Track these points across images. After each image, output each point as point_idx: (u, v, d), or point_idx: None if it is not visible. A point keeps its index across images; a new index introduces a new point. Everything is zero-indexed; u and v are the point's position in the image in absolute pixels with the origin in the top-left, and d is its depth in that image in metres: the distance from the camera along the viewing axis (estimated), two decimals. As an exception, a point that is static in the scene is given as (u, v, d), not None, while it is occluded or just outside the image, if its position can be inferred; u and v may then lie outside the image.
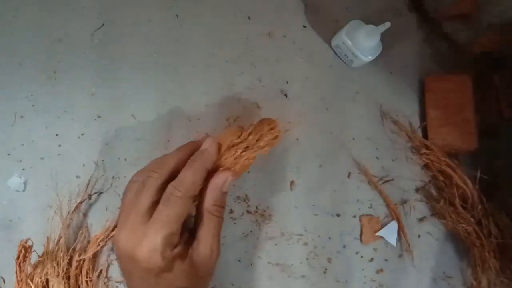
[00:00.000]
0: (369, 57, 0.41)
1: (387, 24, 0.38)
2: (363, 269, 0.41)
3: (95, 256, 0.39)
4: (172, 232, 0.32)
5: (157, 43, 0.42)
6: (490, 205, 0.40)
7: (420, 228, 0.42)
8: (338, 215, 0.42)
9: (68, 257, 0.37)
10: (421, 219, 0.42)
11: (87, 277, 0.37)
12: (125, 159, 0.41)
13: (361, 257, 0.42)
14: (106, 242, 0.38)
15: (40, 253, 0.38)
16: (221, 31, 0.43)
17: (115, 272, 0.39)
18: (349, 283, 0.41)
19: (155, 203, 0.33)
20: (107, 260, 0.39)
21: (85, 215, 0.40)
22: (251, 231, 0.41)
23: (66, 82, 0.41)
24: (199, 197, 0.35)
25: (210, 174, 0.35)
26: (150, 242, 0.31)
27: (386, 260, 0.42)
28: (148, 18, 0.42)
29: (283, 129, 0.41)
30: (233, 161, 0.36)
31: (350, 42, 0.40)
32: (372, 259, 0.42)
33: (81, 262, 0.37)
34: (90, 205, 0.40)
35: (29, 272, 0.36)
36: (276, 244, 0.41)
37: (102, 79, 0.41)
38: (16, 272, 0.36)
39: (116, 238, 0.34)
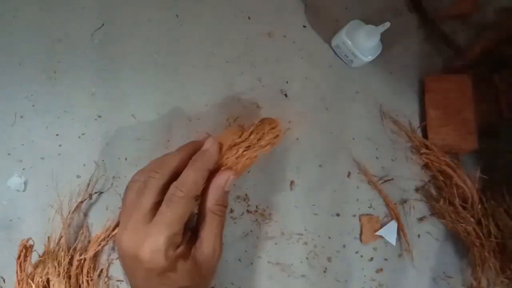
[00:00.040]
0: (369, 57, 0.41)
1: (387, 25, 0.38)
2: (363, 269, 0.41)
3: (96, 255, 0.39)
4: (175, 232, 0.32)
5: (157, 43, 0.42)
6: (490, 205, 0.40)
7: (419, 227, 0.42)
8: (338, 215, 0.42)
9: (69, 257, 0.37)
10: (420, 219, 0.42)
11: (88, 277, 0.38)
12: (126, 159, 0.41)
13: (361, 256, 0.42)
14: (107, 241, 0.38)
15: (40, 252, 0.38)
16: (221, 31, 0.43)
17: (115, 271, 0.39)
18: (349, 282, 0.41)
19: (157, 203, 0.33)
20: (108, 260, 0.39)
21: (85, 214, 0.40)
22: (251, 231, 0.41)
23: (66, 82, 0.41)
24: (201, 197, 0.35)
25: (211, 173, 0.35)
26: (153, 242, 0.32)
27: (386, 259, 0.42)
28: (148, 18, 0.42)
29: (284, 129, 0.41)
30: (235, 161, 0.36)
31: (350, 42, 0.40)
32: (372, 259, 0.42)
33: (82, 261, 0.38)
34: (91, 205, 0.40)
35: (29, 271, 0.36)
36: (276, 244, 0.41)
37: (102, 79, 0.41)
38: (17, 272, 0.36)
39: (118, 238, 0.34)
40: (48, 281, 0.36)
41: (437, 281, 0.42)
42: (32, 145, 0.40)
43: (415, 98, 0.44)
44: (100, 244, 0.38)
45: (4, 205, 0.39)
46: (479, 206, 0.40)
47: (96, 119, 0.41)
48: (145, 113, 0.41)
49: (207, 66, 0.42)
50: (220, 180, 0.35)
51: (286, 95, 0.43)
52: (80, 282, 0.37)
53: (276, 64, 0.43)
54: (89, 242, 0.39)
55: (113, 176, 0.40)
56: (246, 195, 0.41)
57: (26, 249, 0.36)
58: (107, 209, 0.40)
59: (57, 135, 0.40)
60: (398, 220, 0.42)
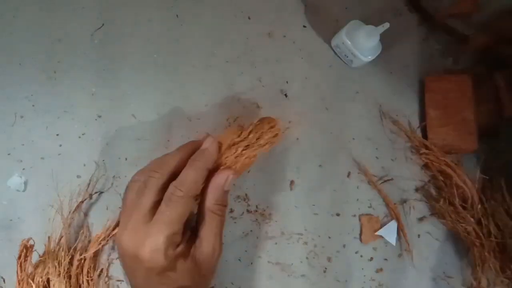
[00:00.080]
0: (369, 57, 0.41)
1: (386, 25, 0.38)
2: (362, 269, 0.41)
3: (96, 255, 0.39)
4: (174, 231, 0.33)
5: (157, 43, 0.42)
6: (490, 205, 0.40)
7: (419, 227, 0.42)
8: (338, 215, 0.42)
9: (69, 257, 0.37)
10: (420, 219, 0.43)
11: (88, 276, 0.38)
12: (126, 159, 0.41)
13: (361, 256, 0.42)
14: (107, 241, 0.38)
15: (41, 252, 0.38)
16: (221, 31, 0.43)
17: (116, 271, 0.39)
18: (348, 282, 0.41)
19: (157, 203, 0.33)
20: (108, 259, 0.39)
21: (86, 214, 0.40)
22: (251, 231, 0.41)
23: (66, 82, 0.41)
24: (200, 196, 0.36)
25: (211, 173, 0.35)
26: (152, 242, 0.32)
27: (385, 259, 0.42)
28: (148, 18, 0.42)
29: (283, 128, 0.41)
30: (234, 160, 0.36)
31: (349, 42, 0.40)
32: (371, 259, 0.42)
33: (82, 261, 0.38)
34: (91, 205, 0.40)
35: (30, 271, 0.36)
36: (276, 244, 0.41)
37: (102, 79, 0.41)
38: (17, 272, 0.36)
39: (118, 238, 0.34)
40: (48, 281, 0.36)
41: (437, 281, 0.42)
42: (32, 145, 0.40)
43: (415, 98, 0.44)
44: (100, 244, 0.38)
45: (4, 205, 0.39)
46: (479, 206, 0.40)
47: (96, 119, 0.41)
48: (145, 113, 0.41)
49: (207, 66, 0.42)
50: (220, 179, 0.35)
51: (286, 95, 0.43)
52: (81, 282, 0.37)
53: (276, 64, 0.43)
54: (89, 242, 0.39)
55: (113, 176, 0.40)
56: (246, 195, 0.41)
57: (27, 249, 0.36)
58: (107, 209, 0.40)
59: (57, 135, 0.40)
60: (398, 220, 0.42)
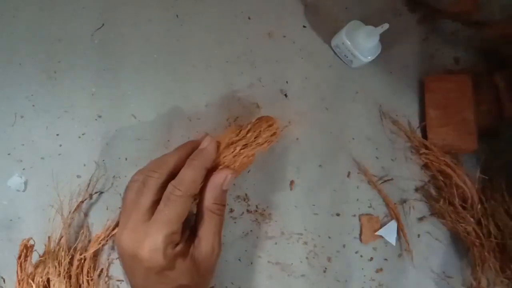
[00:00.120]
0: (369, 57, 0.41)
1: (386, 26, 0.38)
2: (362, 269, 0.41)
3: (96, 255, 0.39)
4: (173, 231, 0.33)
5: (157, 43, 0.42)
6: (490, 205, 0.40)
7: (419, 227, 0.42)
8: (337, 215, 0.42)
9: (69, 257, 0.37)
10: (420, 219, 0.43)
11: (88, 276, 0.38)
12: (126, 159, 0.41)
13: (361, 256, 0.42)
14: (107, 241, 0.38)
15: (41, 252, 0.38)
16: (221, 31, 0.43)
17: (116, 271, 0.40)
18: (348, 282, 0.41)
19: (156, 203, 0.33)
20: (108, 259, 0.39)
21: (86, 214, 0.40)
22: (251, 230, 0.41)
23: (66, 82, 0.41)
24: (199, 196, 0.36)
25: (209, 172, 0.35)
26: (151, 241, 0.32)
27: (385, 259, 0.42)
28: (148, 18, 0.42)
29: (281, 126, 0.41)
30: (232, 159, 0.36)
31: (349, 43, 0.40)
32: (371, 259, 0.42)
33: (82, 261, 0.38)
34: (91, 205, 0.40)
35: (30, 271, 0.36)
36: (276, 243, 0.41)
37: (102, 79, 0.41)
38: (17, 272, 0.36)
39: (118, 237, 0.34)
40: (48, 281, 0.36)
41: (437, 281, 0.42)
42: (32, 145, 0.40)
43: (415, 98, 0.44)
44: (100, 244, 0.38)
45: (5, 205, 0.39)
46: (479, 206, 0.40)
47: (96, 119, 0.41)
48: (145, 113, 0.41)
49: (207, 66, 0.42)
50: (218, 178, 0.35)
51: (286, 95, 0.43)
52: (81, 282, 0.37)
53: (276, 64, 0.43)
54: (89, 241, 0.39)
55: (113, 176, 0.40)
56: (246, 194, 0.41)
57: (27, 249, 0.36)
58: (107, 209, 0.40)
59: (57, 135, 0.41)
60: (398, 220, 0.42)
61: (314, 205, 0.42)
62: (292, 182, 0.42)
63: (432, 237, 0.42)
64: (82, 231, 0.39)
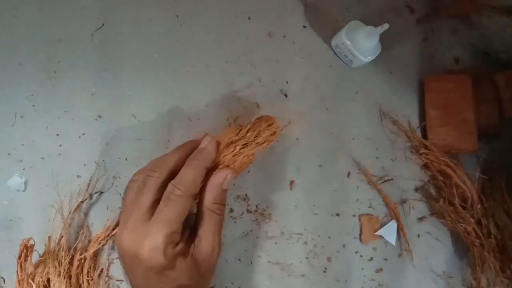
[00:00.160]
0: (369, 57, 0.41)
1: (385, 26, 0.38)
2: (362, 269, 0.41)
3: (96, 255, 0.39)
4: (173, 230, 0.33)
5: (157, 43, 0.42)
6: (490, 205, 0.40)
7: (419, 227, 0.42)
8: (337, 215, 0.42)
9: (70, 257, 0.37)
10: (420, 219, 0.43)
11: (88, 276, 0.38)
12: (126, 159, 0.41)
13: (361, 256, 0.42)
14: (107, 241, 0.38)
15: (41, 252, 0.38)
16: (221, 31, 0.43)
17: (116, 271, 0.40)
18: (348, 282, 0.41)
19: (156, 202, 0.33)
20: (108, 259, 0.39)
21: (86, 214, 0.40)
22: (251, 230, 0.41)
23: (66, 82, 0.41)
24: (199, 195, 0.36)
25: (209, 172, 0.35)
26: (152, 241, 0.32)
27: (385, 259, 0.42)
28: (148, 18, 0.42)
29: (281, 126, 0.41)
30: (232, 159, 0.36)
31: (349, 43, 0.40)
32: (371, 259, 0.42)
33: (82, 261, 0.38)
34: (91, 205, 0.40)
35: (30, 271, 0.36)
36: (276, 243, 0.41)
37: (102, 79, 0.41)
38: (17, 272, 0.36)
39: (118, 237, 0.34)
40: (48, 280, 0.36)
41: (437, 281, 0.42)
42: (32, 145, 0.40)
43: (415, 98, 0.44)
44: (100, 244, 0.38)
45: (5, 205, 0.39)
46: (479, 206, 0.40)
47: (96, 119, 0.41)
48: (145, 113, 0.41)
49: (207, 66, 0.42)
50: (218, 178, 0.35)
51: (286, 95, 0.43)
52: (81, 281, 0.37)
53: (276, 64, 0.43)
54: (89, 241, 0.39)
55: (113, 176, 0.40)
56: (246, 194, 0.41)
57: (27, 249, 0.36)
58: (107, 208, 0.40)
59: (57, 135, 0.41)
60: (397, 220, 0.42)
61: (314, 205, 0.42)
62: (292, 182, 0.42)
63: (432, 237, 0.42)
64: (82, 231, 0.39)
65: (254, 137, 0.36)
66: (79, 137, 0.41)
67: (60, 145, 0.40)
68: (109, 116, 0.41)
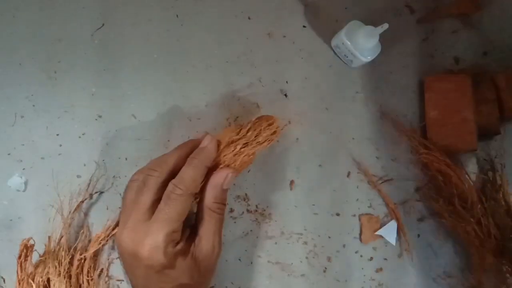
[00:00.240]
0: (368, 57, 0.41)
1: (385, 26, 0.38)
2: (362, 268, 0.41)
3: (96, 255, 0.39)
4: (174, 229, 0.33)
5: (157, 43, 0.42)
6: (490, 205, 0.40)
7: (419, 227, 0.42)
8: (337, 215, 0.42)
9: (70, 256, 0.37)
10: (420, 219, 0.43)
11: (88, 276, 0.38)
12: (126, 159, 0.41)
13: (361, 256, 0.42)
14: (107, 241, 0.38)
15: (41, 252, 0.38)
16: (221, 31, 0.43)
17: (116, 271, 0.40)
18: (348, 282, 0.41)
19: (156, 201, 0.33)
20: (108, 259, 0.39)
21: (86, 214, 0.40)
22: (251, 230, 0.41)
23: (66, 82, 0.41)
24: (200, 195, 0.36)
25: (210, 171, 0.35)
26: (152, 240, 0.32)
27: (385, 259, 0.42)
28: (148, 18, 0.42)
29: (281, 125, 0.41)
30: (233, 158, 0.36)
31: (349, 43, 0.40)
32: (371, 258, 0.42)
33: (82, 261, 0.38)
34: (91, 205, 0.40)
35: (30, 271, 0.36)
36: (276, 243, 0.41)
37: (102, 79, 0.41)
38: (17, 272, 0.36)
39: (118, 236, 0.34)
40: (48, 280, 0.36)
41: (437, 280, 0.42)
42: (32, 145, 0.40)
43: (415, 98, 0.44)
44: (100, 244, 0.38)
45: (5, 205, 0.39)
46: (479, 206, 0.40)
47: (96, 119, 0.41)
48: (145, 113, 0.41)
49: (207, 66, 0.42)
50: (219, 178, 0.35)
51: (286, 95, 0.43)
52: (81, 281, 0.37)
53: (276, 64, 0.43)
54: (89, 241, 0.39)
55: (114, 176, 0.40)
56: (246, 194, 0.41)
57: (27, 248, 0.36)
58: (107, 208, 0.40)
59: (57, 135, 0.41)
60: (397, 220, 0.42)
61: (314, 205, 0.42)
62: (292, 182, 0.42)
63: (432, 237, 0.42)
64: (82, 231, 0.39)
65: (255, 137, 0.36)
66: (79, 137, 0.41)
67: (60, 145, 0.40)
68: (109, 116, 0.41)
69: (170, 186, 0.33)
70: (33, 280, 0.36)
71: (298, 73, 0.43)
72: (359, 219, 0.42)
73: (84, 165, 0.40)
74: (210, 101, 0.42)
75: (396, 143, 0.43)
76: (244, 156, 0.36)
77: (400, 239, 0.42)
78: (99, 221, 0.40)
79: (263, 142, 0.37)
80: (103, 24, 0.42)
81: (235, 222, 0.41)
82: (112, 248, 0.40)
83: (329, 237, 0.42)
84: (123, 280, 0.39)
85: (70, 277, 0.37)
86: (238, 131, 0.37)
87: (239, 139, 0.36)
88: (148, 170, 0.35)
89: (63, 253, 0.37)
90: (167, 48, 0.42)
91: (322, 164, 0.42)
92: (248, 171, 0.41)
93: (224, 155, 0.36)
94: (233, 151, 0.36)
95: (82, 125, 0.41)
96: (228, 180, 0.35)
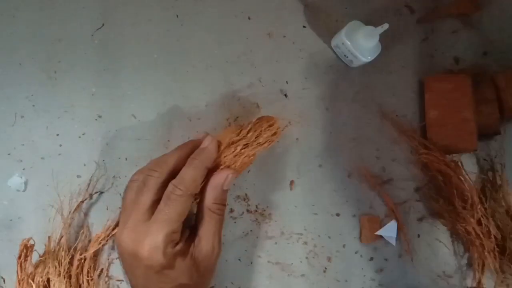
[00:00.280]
0: (368, 57, 0.41)
1: (385, 26, 0.38)
2: (362, 269, 0.41)
3: (96, 255, 0.39)
4: (173, 230, 0.33)
5: (157, 43, 0.42)
6: (490, 205, 0.41)
7: (419, 227, 0.42)
8: (337, 215, 0.42)
9: (69, 256, 0.37)
10: (420, 219, 0.43)
11: (88, 276, 0.38)
12: (126, 159, 0.41)
13: (361, 256, 0.42)
14: (107, 241, 0.38)
15: (41, 252, 0.38)
16: (221, 31, 0.43)
17: (116, 271, 0.40)
18: (348, 282, 0.41)
19: (156, 202, 0.33)
20: (108, 259, 0.39)
21: (86, 214, 0.40)
22: (251, 230, 0.41)
23: (66, 82, 0.41)
24: (200, 195, 0.36)
25: (210, 172, 0.35)
26: (151, 240, 0.32)
27: (385, 259, 0.42)
28: (148, 18, 0.42)
29: (282, 126, 0.41)
30: (233, 159, 0.36)
31: (349, 43, 0.40)
32: (371, 259, 0.42)
33: (82, 261, 0.38)
34: (91, 205, 0.40)
35: (30, 271, 0.36)
36: (276, 243, 0.41)
37: (102, 79, 0.41)
38: (17, 272, 0.36)
39: (118, 236, 0.34)
40: (48, 280, 0.36)
41: (437, 281, 0.42)
42: (32, 145, 0.40)
43: (415, 98, 0.44)
44: (100, 244, 0.38)
45: (5, 205, 0.39)
46: (479, 206, 0.40)
47: (96, 119, 0.41)
48: (145, 113, 0.41)
49: (207, 66, 0.42)
50: (219, 178, 0.35)
51: (286, 95, 0.43)
52: (81, 281, 0.37)
53: (276, 64, 0.43)
54: (89, 241, 0.39)
55: (114, 176, 0.40)
56: (246, 194, 0.41)
57: (27, 248, 0.36)
58: (107, 208, 0.40)
59: (57, 135, 0.41)
60: (398, 220, 0.42)
61: (314, 205, 0.42)
62: (292, 182, 0.42)
63: (432, 237, 0.42)
64: (82, 231, 0.39)
65: (255, 138, 0.36)
66: (79, 137, 0.41)
67: (60, 145, 0.40)
68: (109, 116, 0.41)
69: (170, 186, 0.33)
70: (33, 280, 0.36)
71: (298, 73, 0.43)
72: (359, 219, 0.42)
73: (84, 165, 0.40)
74: (210, 101, 0.42)
75: (396, 143, 0.43)
76: (244, 157, 0.36)
77: (400, 239, 0.42)
78: (99, 221, 0.40)
79: (264, 143, 0.37)
80: (103, 24, 0.42)
81: (235, 222, 0.41)
82: (112, 248, 0.40)
83: (329, 237, 0.42)
84: (123, 280, 0.39)
85: (70, 277, 0.37)
86: (239, 132, 0.37)
87: (239, 140, 0.36)
88: (148, 170, 0.35)
89: (63, 253, 0.37)
90: (167, 48, 0.42)
91: (322, 164, 0.42)
92: (248, 171, 0.41)
93: (225, 156, 0.36)
94: (233, 152, 0.36)
95: (82, 125, 0.41)
96: (228, 181, 0.35)
